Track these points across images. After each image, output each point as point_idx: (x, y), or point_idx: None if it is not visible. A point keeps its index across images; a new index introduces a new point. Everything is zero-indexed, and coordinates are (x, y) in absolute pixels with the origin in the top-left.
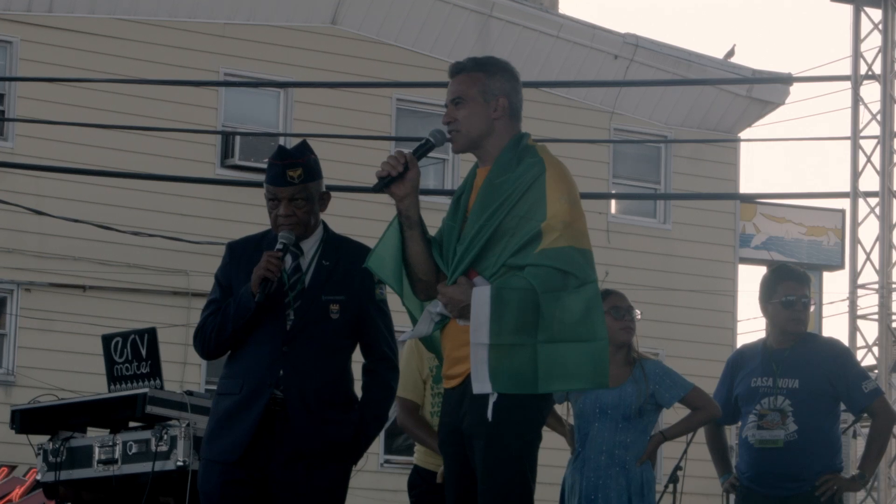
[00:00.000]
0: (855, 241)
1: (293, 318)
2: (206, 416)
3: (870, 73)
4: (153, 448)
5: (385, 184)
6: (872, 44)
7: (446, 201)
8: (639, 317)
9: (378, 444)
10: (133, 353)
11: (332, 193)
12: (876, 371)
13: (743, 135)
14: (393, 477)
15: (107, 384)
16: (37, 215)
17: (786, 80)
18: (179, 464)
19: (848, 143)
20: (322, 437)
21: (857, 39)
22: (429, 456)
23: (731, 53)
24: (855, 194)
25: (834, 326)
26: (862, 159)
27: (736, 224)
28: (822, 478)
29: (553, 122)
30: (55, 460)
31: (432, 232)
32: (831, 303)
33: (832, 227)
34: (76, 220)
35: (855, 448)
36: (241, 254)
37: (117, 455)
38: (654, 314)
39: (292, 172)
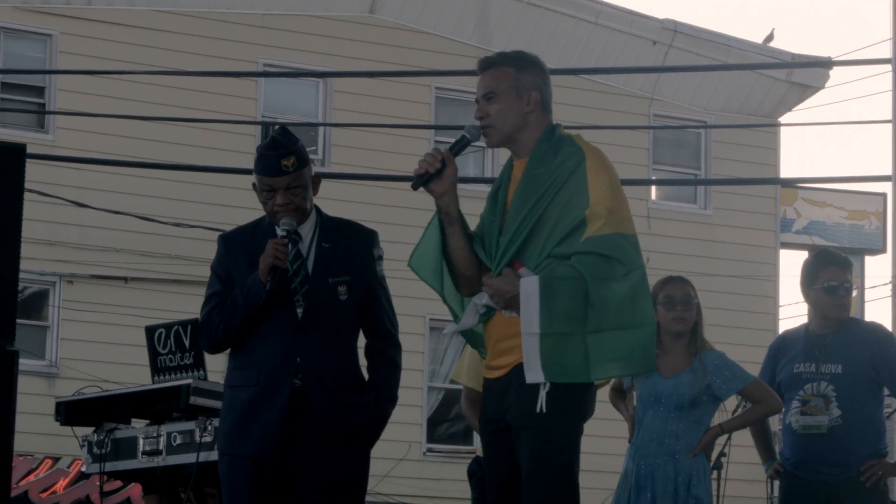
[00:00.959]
0: None
1: (303, 303)
2: None
3: None
4: (197, 439)
5: (423, 181)
6: None
7: (486, 189)
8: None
9: (420, 433)
10: (176, 343)
11: (372, 183)
12: None
13: (783, 119)
14: (435, 465)
15: (150, 375)
16: (78, 207)
17: (825, 64)
18: None
19: (889, 126)
20: (342, 421)
21: None
22: None
23: (770, 38)
24: None
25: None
26: None
27: (777, 209)
28: (866, 463)
29: (592, 108)
30: (100, 452)
31: (471, 222)
32: (873, 287)
33: (874, 210)
34: (117, 212)
35: None
36: (237, 244)
37: (161, 446)
38: None
39: (286, 161)
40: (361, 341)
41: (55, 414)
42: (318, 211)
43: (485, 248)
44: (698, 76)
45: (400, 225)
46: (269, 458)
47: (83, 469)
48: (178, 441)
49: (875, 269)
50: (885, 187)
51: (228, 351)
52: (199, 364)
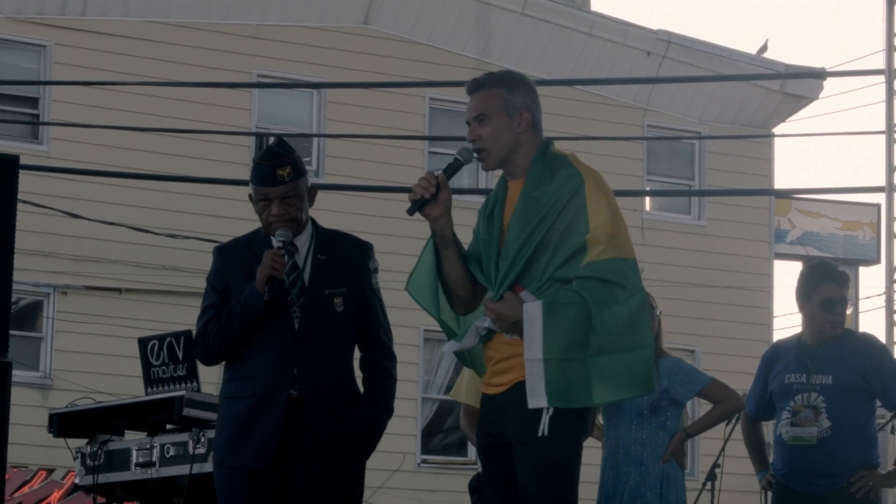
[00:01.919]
0: (891, 235)
1: (300, 315)
2: None
3: None
4: (191, 450)
5: (418, 206)
6: None
7: (481, 200)
8: (659, 314)
9: (415, 444)
10: (169, 355)
11: (366, 194)
12: None
13: (777, 130)
14: (430, 477)
15: (144, 387)
16: (72, 218)
17: (819, 75)
18: None
19: (883, 137)
20: (339, 432)
21: (890, 32)
22: None
23: (763, 49)
24: (890, 188)
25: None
26: None
27: (771, 220)
28: (857, 474)
29: (587, 119)
30: (93, 463)
31: (465, 233)
32: (867, 298)
33: (868, 221)
34: (111, 223)
35: (893, 444)
36: (233, 256)
37: (155, 458)
38: (690, 311)
39: (282, 171)
40: (356, 353)
41: (48, 425)
42: (314, 223)
43: (482, 269)
44: (692, 87)
45: (394, 236)
46: (265, 469)
47: (76, 481)
48: (172, 453)
49: (869, 279)
50: (879, 198)
51: (223, 363)
52: (193, 376)
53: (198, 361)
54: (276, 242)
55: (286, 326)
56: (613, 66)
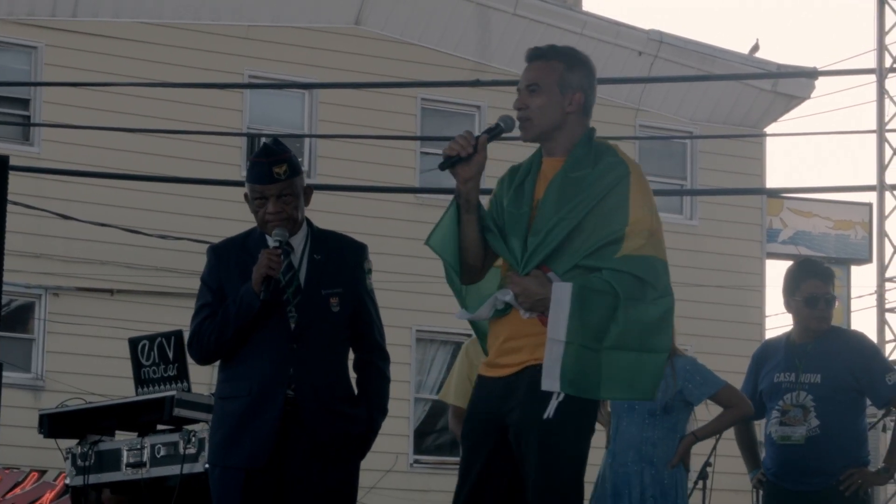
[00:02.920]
0: (882, 234)
1: (296, 315)
2: None
3: (895, 65)
4: (181, 451)
5: (451, 163)
6: None
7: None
8: None
9: (407, 444)
10: (160, 355)
11: (358, 194)
12: None
13: (769, 130)
14: (422, 477)
15: (134, 387)
16: (63, 220)
17: (811, 75)
18: (208, 466)
19: (874, 136)
20: (336, 432)
21: (881, 32)
22: None
23: (755, 48)
24: (881, 187)
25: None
26: (888, 152)
27: (763, 219)
28: (846, 472)
29: None
30: (84, 464)
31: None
32: (859, 297)
33: (859, 220)
34: (103, 224)
35: (884, 442)
36: (227, 256)
37: (145, 458)
38: (682, 310)
39: (278, 169)
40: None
41: (39, 426)
42: (309, 223)
43: (506, 241)
44: (684, 87)
45: (386, 236)
46: (261, 469)
47: (67, 482)
48: (162, 453)
49: (861, 278)
50: (871, 197)
51: (218, 363)
52: (183, 376)
53: (188, 361)
54: (272, 242)
55: (282, 326)
56: (605, 66)
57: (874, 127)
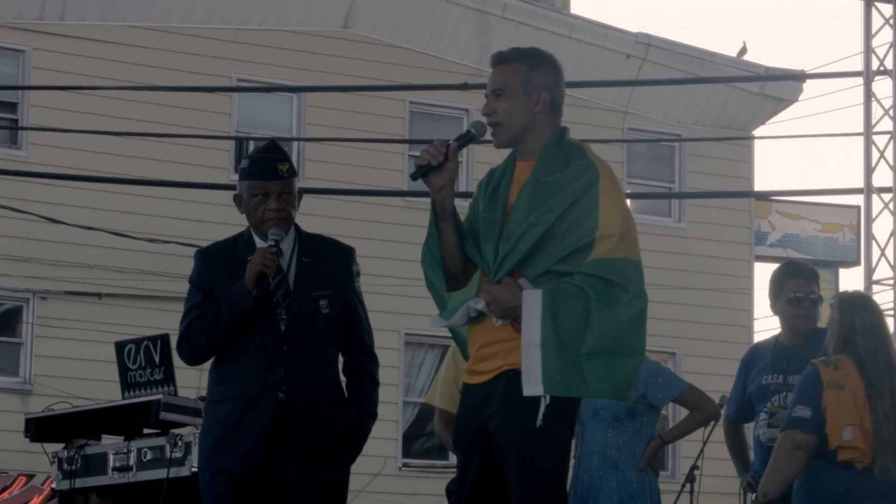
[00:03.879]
0: (869, 236)
1: (286, 317)
2: None
3: (882, 68)
4: (168, 454)
5: (423, 172)
6: (884, 39)
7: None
8: None
9: (396, 448)
10: (146, 359)
11: (346, 197)
12: None
13: (757, 132)
14: (411, 480)
15: (121, 391)
16: (51, 223)
17: (799, 77)
18: (194, 470)
19: (861, 138)
20: (327, 434)
21: (868, 35)
22: None
23: (743, 51)
24: (868, 190)
25: None
26: (875, 155)
27: (751, 222)
28: None
29: (566, 121)
30: (70, 468)
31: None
32: None
33: (847, 223)
34: (90, 228)
35: None
36: (216, 259)
37: (132, 462)
38: (670, 313)
39: (282, 166)
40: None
41: (25, 430)
42: (297, 226)
43: (479, 249)
44: (672, 90)
45: (373, 240)
46: (252, 472)
47: (54, 486)
48: (149, 457)
49: (849, 281)
50: (859, 200)
51: (206, 367)
52: (170, 379)
53: (175, 365)
54: (268, 241)
55: (272, 329)
56: (593, 69)
57: (861, 129)
